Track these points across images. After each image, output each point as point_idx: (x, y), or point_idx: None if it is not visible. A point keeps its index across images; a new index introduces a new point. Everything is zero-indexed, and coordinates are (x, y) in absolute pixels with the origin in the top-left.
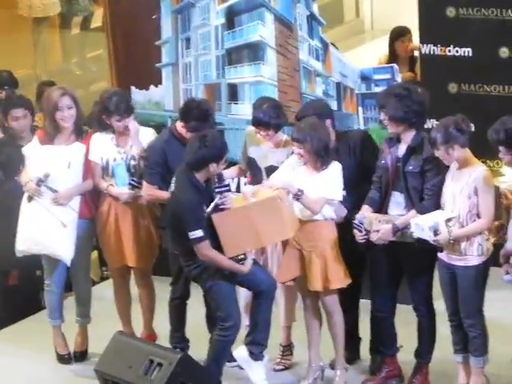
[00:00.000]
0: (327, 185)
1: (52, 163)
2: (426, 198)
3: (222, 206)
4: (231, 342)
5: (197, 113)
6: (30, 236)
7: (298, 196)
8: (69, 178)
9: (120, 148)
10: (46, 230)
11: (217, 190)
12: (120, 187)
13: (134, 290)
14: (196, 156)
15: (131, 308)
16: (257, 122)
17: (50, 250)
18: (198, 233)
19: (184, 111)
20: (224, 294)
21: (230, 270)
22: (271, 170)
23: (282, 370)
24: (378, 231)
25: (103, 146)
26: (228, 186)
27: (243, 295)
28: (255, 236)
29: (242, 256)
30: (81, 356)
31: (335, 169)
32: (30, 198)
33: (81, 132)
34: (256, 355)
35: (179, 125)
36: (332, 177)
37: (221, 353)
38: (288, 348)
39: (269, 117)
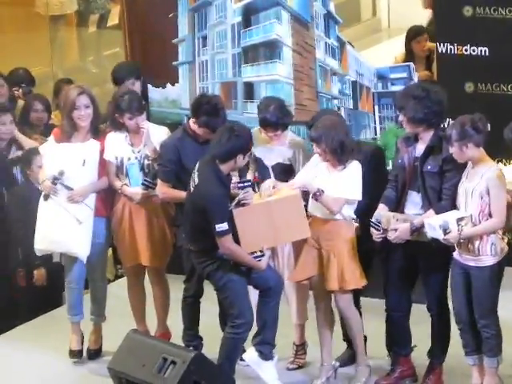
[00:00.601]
0: (346, 184)
1: (67, 161)
2: (445, 198)
3: (243, 201)
4: (243, 339)
5: (207, 107)
6: (47, 234)
7: (316, 196)
8: (83, 175)
9: (134, 147)
10: (62, 228)
11: (239, 185)
12: (134, 187)
13: (149, 288)
14: (226, 147)
15: (145, 306)
16: (265, 123)
17: (66, 247)
18: (224, 226)
19: (194, 106)
20: (238, 292)
21: (248, 265)
22: (278, 167)
23: (296, 369)
24: (395, 230)
25: (118, 145)
26: (250, 181)
27: (252, 297)
28: (274, 233)
29: (259, 253)
30: (95, 354)
31: (354, 168)
32: (47, 197)
33: (97, 131)
34: (266, 355)
35: (192, 122)
36: (351, 176)
37: (233, 350)
38: (302, 347)
39: (276, 117)
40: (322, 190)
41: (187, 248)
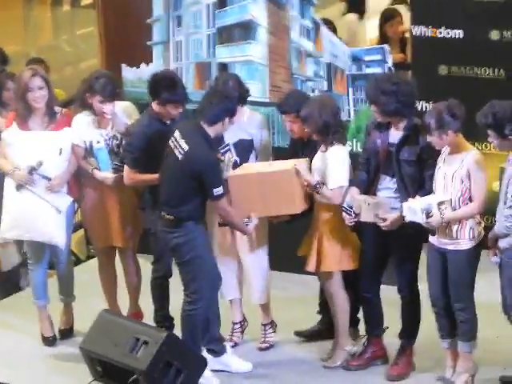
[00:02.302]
0: (330, 173)
1: (43, 150)
2: (428, 185)
3: (228, 165)
4: (202, 315)
5: (165, 83)
6: (20, 224)
7: (315, 189)
8: (60, 164)
9: (102, 130)
10: (41, 218)
11: (221, 150)
12: (104, 170)
13: (120, 269)
14: (216, 108)
15: (117, 287)
16: None
17: (47, 236)
18: (221, 189)
19: (152, 87)
20: (202, 268)
21: (238, 227)
22: (240, 144)
23: (268, 348)
24: (384, 219)
25: (85, 129)
26: (228, 145)
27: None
28: (264, 203)
29: (247, 219)
30: (66, 334)
31: (336, 153)
32: (20, 187)
33: (54, 113)
34: (219, 351)
35: (155, 104)
36: (334, 163)
37: (194, 328)
38: (270, 326)
39: (238, 92)
40: (323, 183)
41: (155, 228)
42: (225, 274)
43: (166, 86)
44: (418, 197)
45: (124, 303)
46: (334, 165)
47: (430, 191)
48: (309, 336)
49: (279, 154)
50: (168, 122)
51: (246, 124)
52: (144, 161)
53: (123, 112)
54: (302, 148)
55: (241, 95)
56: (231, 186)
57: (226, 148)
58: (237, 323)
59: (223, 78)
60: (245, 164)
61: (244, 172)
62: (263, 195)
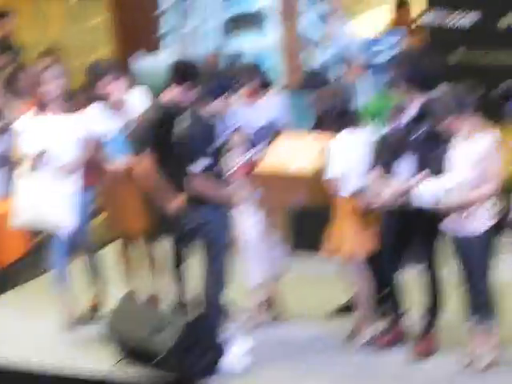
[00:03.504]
0: (328, 164)
1: (51, 136)
2: (437, 164)
3: (235, 146)
4: (222, 296)
5: (190, 69)
6: (29, 210)
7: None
8: (69, 150)
9: (114, 119)
10: (48, 204)
11: (228, 131)
12: (117, 160)
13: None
14: (207, 88)
15: (136, 271)
16: (266, 83)
17: (52, 222)
18: (201, 164)
19: (180, 71)
20: (225, 250)
21: (220, 200)
22: (264, 126)
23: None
24: (385, 190)
25: (97, 119)
26: (236, 125)
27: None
28: (291, 197)
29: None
30: (92, 315)
31: (336, 143)
32: (28, 172)
33: (69, 103)
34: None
35: (166, 92)
36: (331, 153)
37: (216, 309)
38: (269, 302)
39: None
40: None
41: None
42: (255, 257)
43: (191, 71)
44: (422, 177)
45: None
46: (331, 155)
47: (438, 171)
48: (344, 310)
49: None
50: (180, 106)
51: (265, 109)
52: (157, 146)
53: (135, 99)
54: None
55: (262, 80)
56: (257, 182)
57: (234, 128)
58: (258, 302)
59: (243, 64)
60: (270, 148)
61: (267, 169)
62: (290, 191)
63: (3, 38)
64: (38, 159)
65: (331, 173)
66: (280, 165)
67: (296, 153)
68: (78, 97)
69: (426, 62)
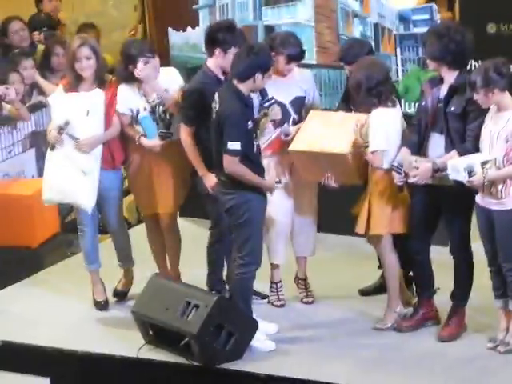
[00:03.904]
0: (370, 137)
1: (71, 110)
2: (468, 140)
3: (273, 118)
4: (253, 278)
5: (223, 25)
6: (53, 185)
7: (363, 150)
8: (88, 125)
9: (147, 97)
10: (67, 178)
11: (265, 104)
12: (151, 138)
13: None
14: (244, 64)
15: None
16: (296, 56)
17: (72, 198)
18: (236, 145)
19: (208, 35)
20: (256, 230)
21: (256, 183)
22: (297, 102)
23: (313, 302)
24: (416, 168)
25: (130, 97)
26: (273, 98)
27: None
28: (326, 173)
29: (277, 179)
30: (121, 296)
31: (375, 116)
32: (53, 147)
33: (103, 81)
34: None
35: (210, 61)
36: (373, 127)
37: (245, 290)
38: (304, 281)
39: (301, 48)
40: (366, 146)
41: (212, 192)
42: (278, 237)
43: (226, 29)
44: (454, 153)
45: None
46: (373, 128)
47: (470, 146)
48: (372, 292)
49: None
50: (222, 77)
51: (299, 81)
52: (199, 117)
53: (167, 77)
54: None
55: (300, 52)
56: (293, 158)
57: (270, 102)
58: (279, 282)
59: (283, 36)
60: (302, 126)
61: (300, 146)
62: (324, 168)
63: (49, 15)
64: (61, 131)
65: (376, 145)
66: (314, 142)
67: (329, 131)
68: (113, 74)
69: (457, 38)
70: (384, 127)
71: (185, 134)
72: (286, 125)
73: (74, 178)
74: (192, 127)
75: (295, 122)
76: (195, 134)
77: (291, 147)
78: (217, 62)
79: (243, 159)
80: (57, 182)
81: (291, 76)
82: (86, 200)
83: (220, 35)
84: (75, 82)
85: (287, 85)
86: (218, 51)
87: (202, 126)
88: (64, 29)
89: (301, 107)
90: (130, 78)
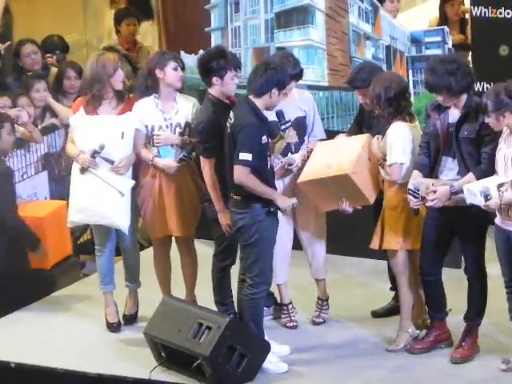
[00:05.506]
0: (388, 150)
1: (106, 134)
2: (484, 162)
3: (289, 141)
4: (263, 298)
5: (214, 53)
6: (85, 207)
7: (381, 164)
8: (123, 148)
9: (165, 114)
10: (104, 201)
11: (282, 126)
12: (164, 158)
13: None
14: (261, 79)
15: (171, 276)
16: (300, 75)
17: (110, 220)
18: (248, 156)
19: (201, 66)
20: (266, 250)
21: (265, 194)
22: (297, 121)
23: (322, 323)
24: (434, 192)
25: (148, 112)
26: (290, 121)
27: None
28: (339, 199)
29: (295, 199)
30: (130, 320)
31: (393, 130)
32: (83, 170)
33: (122, 97)
34: None
35: (212, 90)
36: (390, 139)
37: (255, 311)
38: (326, 302)
39: (301, 68)
40: (384, 159)
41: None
42: (280, 256)
43: (219, 56)
44: (471, 176)
45: (180, 291)
46: (392, 141)
47: (486, 169)
48: (385, 314)
49: None
50: (228, 101)
51: (298, 101)
52: (218, 147)
53: (185, 106)
54: (371, 120)
55: (298, 72)
56: (304, 191)
57: (287, 125)
58: (290, 303)
59: (279, 54)
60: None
61: (308, 176)
62: (335, 194)
63: (61, 37)
64: (95, 155)
65: (394, 158)
66: (318, 170)
67: (332, 156)
68: (130, 94)
69: (452, 67)
70: (402, 141)
71: (207, 166)
72: (289, 155)
73: (110, 200)
74: (212, 158)
75: (298, 145)
76: (216, 167)
77: (299, 180)
78: (217, 89)
79: (256, 173)
80: (90, 205)
81: (291, 96)
82: (125, 221)
83: (214, 63)
84: (99, 98)
85: (287, 106)
86: (215, 79)
87: (222, 157)
88: (141, 52)
89: (301, 127)
90: (151, 90)
